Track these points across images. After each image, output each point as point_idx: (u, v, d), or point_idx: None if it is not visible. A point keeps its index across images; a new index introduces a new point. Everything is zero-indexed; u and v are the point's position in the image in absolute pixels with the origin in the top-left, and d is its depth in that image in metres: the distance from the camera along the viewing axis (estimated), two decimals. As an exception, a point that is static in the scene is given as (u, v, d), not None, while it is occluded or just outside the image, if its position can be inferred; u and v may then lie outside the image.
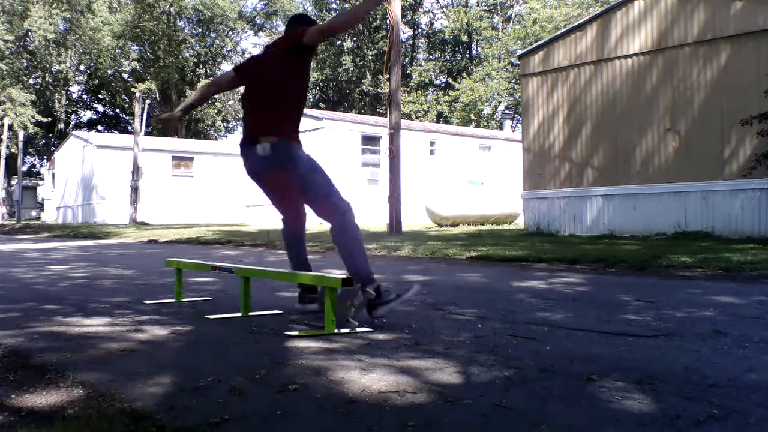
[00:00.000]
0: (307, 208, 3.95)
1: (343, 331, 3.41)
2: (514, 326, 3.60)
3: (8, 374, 2.58)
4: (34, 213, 43.33)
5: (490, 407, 2.08)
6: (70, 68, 42.54)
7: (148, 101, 35.05)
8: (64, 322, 3.80)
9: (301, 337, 3.29)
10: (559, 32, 13.91)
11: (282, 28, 46.65)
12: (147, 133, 33.38)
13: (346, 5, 42.62)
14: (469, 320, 3.80)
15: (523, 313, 4.08)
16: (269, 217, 24.88)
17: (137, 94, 28.46)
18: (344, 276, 3.41)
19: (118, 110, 50.64)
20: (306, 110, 27.85)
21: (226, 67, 47.79)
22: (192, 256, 9.64)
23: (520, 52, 14.99)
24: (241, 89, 3.94)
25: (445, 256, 9.00)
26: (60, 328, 3.57)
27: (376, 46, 42.74)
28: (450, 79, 42.24)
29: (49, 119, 40.06)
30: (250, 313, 3.99)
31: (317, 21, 4.16)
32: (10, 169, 39.30)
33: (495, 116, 42.49)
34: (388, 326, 3.60)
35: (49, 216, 38.36)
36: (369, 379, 2.45)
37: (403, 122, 20.44)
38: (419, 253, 9.40)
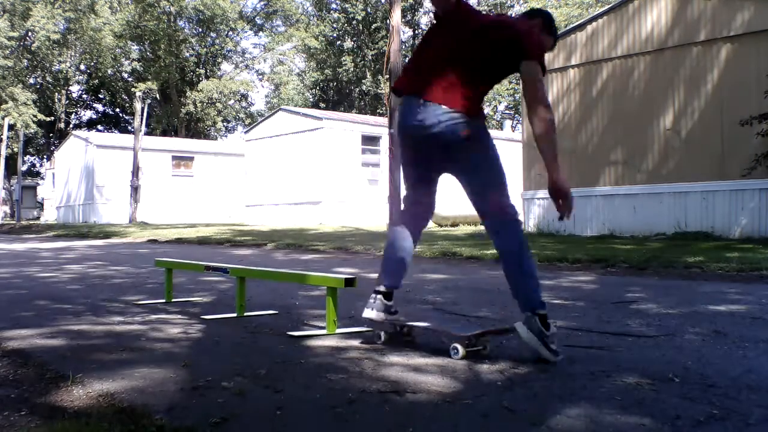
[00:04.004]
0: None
1: (340, 331, 3.42)
2: (514, 326, 3.60)
3: (8, 374, 2.58)
4: (34, 213, 43.36)
5: (490, 407, 2.08)
6: (70, 68, 42.53)
7: (148, 101, 35.07)
8: (64, 321, 3.80)
9: (301, 337, 3.29)
10: (558, 32, 13.90)
11: (282, 28, 46.63)
12: (147, 133, 33.39)
13: (346, 5, 42.62)
14: (469, 320, 3.79)
15: (523, 313, 4.08)
16: (268, 217, 24.86)
17: (138, 94, 28.45)
18: (348, 276, 3.40)
19: (118, 110, 50.64)
20: (306, 110, 27.72)
21: (227, 67, 47.76)
22: (204, 255, 9.64)
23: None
24: None
25: (444, 255, 9.00)
26: (60, 328, 3.57)
27: (376, 46, 42.72)
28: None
29: (51, 118, 40.09)
30: (251, 313, 3.99)
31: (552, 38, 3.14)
32: (10, 169, 39.31)
33: (495, 116, 42.47)
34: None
35: (49, 216, 38.37)
36: (369, 379, 2.45)
37: (403, 122, 20.40)
38: (426, 253, 9.41)
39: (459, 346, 2.84)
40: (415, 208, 3.14)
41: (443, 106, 2.77)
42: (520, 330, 2.75)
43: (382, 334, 3.12)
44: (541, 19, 3.05)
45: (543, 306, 2.78)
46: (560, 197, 2.81)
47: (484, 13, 3.17)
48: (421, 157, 3.00)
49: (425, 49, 2.99)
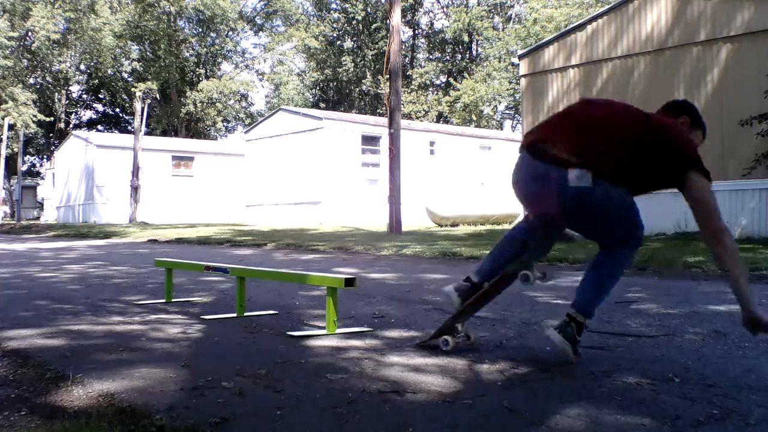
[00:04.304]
0: None
1: (340, 331, 3.42)
2: (514, 326, 3.60)
3: (8, 374, 2.58)
4: (34, 213, 43.35)
5: (490, 407, 2.08)
6: (70, 68, 42.53)
7: (148, 101, 35.09)
8: (64, 321, 3.80)
9: (301, 337, 3.29)
10: (559, 32, 13.91)
11: (282, 28, 46.63)
12: (147, 133, 33.41)
13: (346, 5, 42.63)
14: (469, 320, 3.79)
15: (523, 313, 4.08)
16: (268, 217, 24.85)
17: (138, 94, 28.45)
18: (348, 276, 3.40)
19: (118, 110, 50.64)
20: (306, 110, 27.61)
21: (227, 67, 47.74)
22: (204, 255, 9.64)
23: (520, 52, 14.99)
24: None
25: (444, 255, 9.00)
26: (60, 328, 3.57)
27: (376, 46, 42.73)
28: (451, 79, 42.26)
29: (51, 119, 40.10)
30: (251, 313, 3.99)
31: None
32: (10, 169, 39.32)
33: (495, 116, 42.48)
34: (388, 326, 3.60)
35: (49, 216, 38.35)
36: (369, 379, 2.45)
37: (403, 122, 20.44)
38: (426, 253, 9.40)
39: (528, 273, 2.81)
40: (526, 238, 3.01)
41: (569, 170, 2.59)
42: (553, 337, 2.64)
43: (450, 340, 2.97)
44: (686, 116, 2.83)
45: (591, 316, 2.71)
46: (763, 331, 2.47)
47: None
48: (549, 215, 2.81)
49: (566, 118, 2.82)
